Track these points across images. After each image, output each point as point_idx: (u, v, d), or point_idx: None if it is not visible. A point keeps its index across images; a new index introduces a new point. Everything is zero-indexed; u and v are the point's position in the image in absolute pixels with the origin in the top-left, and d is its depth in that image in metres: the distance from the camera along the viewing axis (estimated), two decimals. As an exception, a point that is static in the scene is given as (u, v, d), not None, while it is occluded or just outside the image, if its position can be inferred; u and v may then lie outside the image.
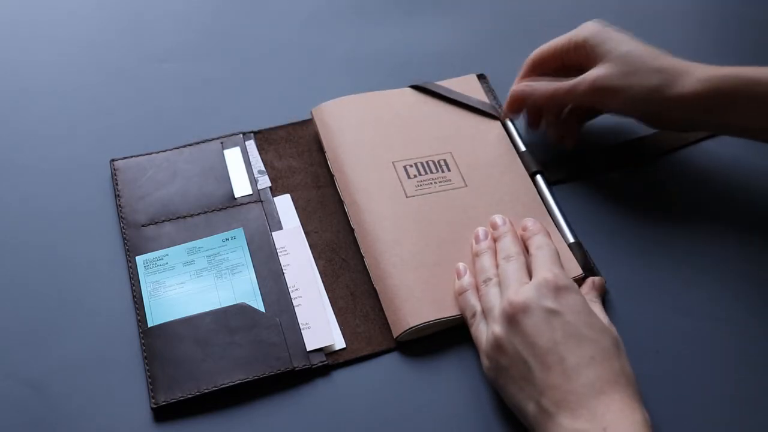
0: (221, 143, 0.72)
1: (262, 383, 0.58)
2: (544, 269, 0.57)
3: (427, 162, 0.70)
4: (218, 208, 0.68)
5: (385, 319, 0.61)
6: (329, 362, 0.59)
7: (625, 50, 0.65)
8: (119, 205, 0.68)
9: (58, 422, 0.56)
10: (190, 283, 0.63)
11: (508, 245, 0.61)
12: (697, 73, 0.64)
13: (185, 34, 0.84)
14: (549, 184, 0.69)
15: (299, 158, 0.72)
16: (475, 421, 0.56)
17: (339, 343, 0.60)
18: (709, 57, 0.73)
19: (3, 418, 0.56)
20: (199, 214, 0.67)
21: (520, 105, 0.71)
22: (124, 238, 0.66)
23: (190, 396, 0.56)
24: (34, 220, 0.68)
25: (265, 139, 0.73)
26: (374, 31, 0.85)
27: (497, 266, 0.60)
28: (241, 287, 0.62)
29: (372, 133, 0.72)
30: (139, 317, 0.61)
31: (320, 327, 0.60)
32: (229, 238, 0.65)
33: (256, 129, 0.74)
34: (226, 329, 0.60)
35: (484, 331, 0.57)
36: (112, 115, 0.76)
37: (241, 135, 0.73)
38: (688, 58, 0.73)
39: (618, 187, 0.71)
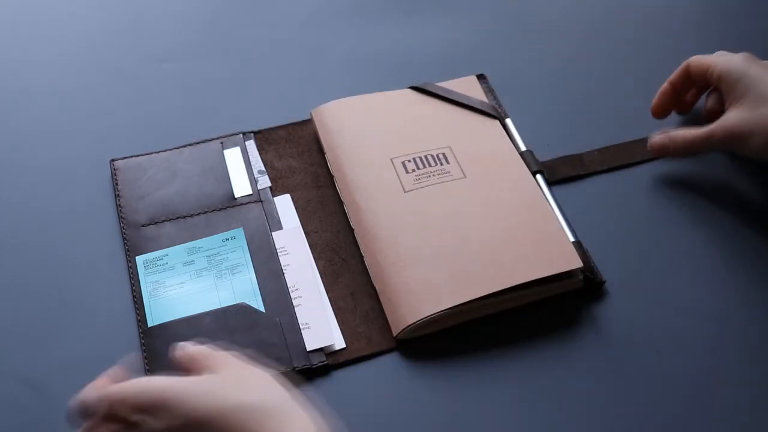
0: (221, 143, 0.72)
1: None
2: None
3: (425, 156, 0.70)
4: (218, 208, 0.68)
5: (385, 319, 0.61)
6: (329, 362, 0.59)
7: (758, 93, 0.64)
8: (119, 205, 0.68)
9: (58, 422, 0.56)
10: (190, 283, 0.63)
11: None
12: None
13: (185, 34, 0.84)
14: (549, 184, 0.69)
15: (299, 158, 0.72)
16: (475, 422, 0.56)
17: (339, 343, 0.60)
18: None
19: (3, 418, 0.56)
20: (199, 214, 0.67)
21: (661, 155, 0.70)
22: (124, 238, 0.66)
23: None
24: (34, 220, 0.68)
25: (265, 139, 0.73)
26: (374, 31, 0.85)
27: None
28: (241, 287, 0.62)
29: (371, 134, 0.72)
30: (139, 317, 0.61)
31: (320, 327, 0.60)
32: (229, 238, 0.65)
33: (256, 129, 0.74)
34: (225, 329, 0.60)
35: None
36: (112, 116, 0.76)
37: (241, 135, 0.73)
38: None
39: (618, 187, 0.71)
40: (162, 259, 0.64)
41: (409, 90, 0.76)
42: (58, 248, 0.66)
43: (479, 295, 0.60)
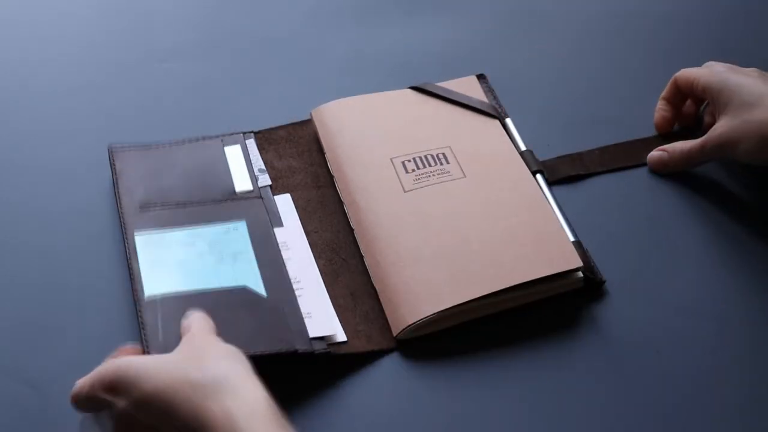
0: (221, 140, 0.72)
1: (263, 362, 0.53)
2: None
3: (425, 156, 0.70)
4: (219, 200, 0.67)
5: (386, 319, 0.61)
6: (332, 351, 0.58)
7: (741, 101, 0.66)
8: (117, 192, 0.67)
9: (58, 422, 0.56)
10: (190, 264, 0.62)
11: None
12: None
13: (185, 34, 0.84)
14: (549, 184, 0.69)
15: (299, 158, 0.72)
16: (476, 422, 0.56)
17: (340, 335, 0.60)
18: (709, 56, 0.73)
19: (3, 418, 0.56)
20: (199, 203, 0.66)
21: (660, 169, 0.71)
22: (122, 221, 0.65)
23: None
24: (34, 220, 0.68)
25: (265, 138, 0.73)
26: (374, 31, 0.85)
27: None
28: (242, 273, 0.62)
29: (371, 134, 0.72)
30: (135, 291, 0.60)
31: (322, 317, 0.60)
32: (231, 229, 0.65)
33: (256, 129, 0.74)
34: (227, 308, 0.59)
35: None
36: (111, 115, 0.76)
37: (241, 134, 0.73)
38: (691, 58, 0.74)
39: (618, 187, 0.71)
40: (162, 238, 0.63)
41: (409, 90, 0.76)
42: (58, 247, 0.66)
43: (479, 295, 0.60)
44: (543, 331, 0.61)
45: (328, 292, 0.63)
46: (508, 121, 0.74)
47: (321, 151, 0.73)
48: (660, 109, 0.74)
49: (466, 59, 0.80)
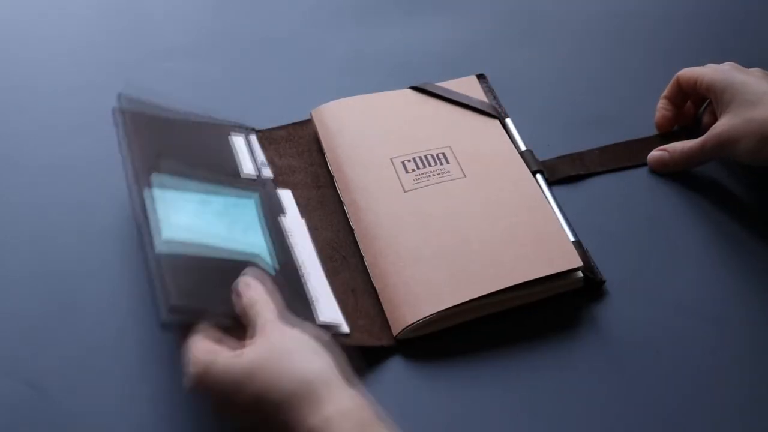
0: (230, 127, 0.71)
1: None
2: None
3: (425, 156, 0.70)
4: (229, 175, 0.66)
5: (386, 318, 0.61)
6: (338, 341, 0.56)
7: (743, 99, 0.66)
8: (128, 149, 0.62)
9: (59, 422, 0.56)
10: (205, 223, 0.59)
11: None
12: None
13: (185, 34, 0.85)
14: (549, 184, 0.69)
15: (299, 158, 0.72)
16: (476, 422, 0.56)
17: (344, 327, 0.60)
18: (709, 56, 0.73)
19: (3, 418, 0.56)
20: (211, 173, 0.64)
21: (660, 169, 0.71)
22: (135, 178, 0.59)
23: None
24: (34, 218, 0.68)
25: (265, 138, 0.73)
26: (374, 31, 0.85)
27: None
28: (253, 246, 0.60)
29: (371, 134, 0.72)
30: (145, 239, 0.56)
31: (328, 304, 0.60)
32: (242, 202, 0.63)
33: (256, 128, 0.74)
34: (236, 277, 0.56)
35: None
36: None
37: (246, 128, 0.72)
38: (691, 58, 0.74)
39: (618, 187, 0.71)
40: (177, 196, 0.60)
41: (409, 90, 0.76)
42: (59, 247, 0.66)
43: (479, 295, 0.60)
44: (543, 331, 0.61)
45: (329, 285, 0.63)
46: (508, 121, 0.74)
47: (321, 151, 0.73)
48: (661, 108, 0.74)
49: (466, 59, 0.81)
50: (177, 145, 0.66)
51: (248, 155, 0.69)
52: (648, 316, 0.62)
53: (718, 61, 0.71)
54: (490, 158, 0.70)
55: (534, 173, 0.69)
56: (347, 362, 0.51)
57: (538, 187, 0.68)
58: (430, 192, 0.67)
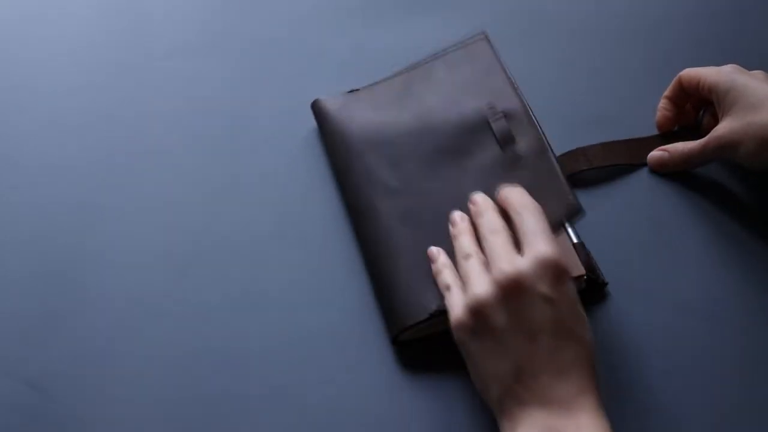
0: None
1: None
2: (541, 240, 0.53)
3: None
4: None
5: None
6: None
7: (746, 102, 0.65)
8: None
9: (59, 422, 0.56)
10: None
11: (491, 220, 0.57)
12: None
13: (185, 33, 0.84)
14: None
15: None
16: (476, 422, 0.56)
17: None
18: (710, 56, 0.73)
19: (3, 418, 0.56)
20: None
21: (660, 169, 0.71)
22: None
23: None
24: (33, 218, 0.68)
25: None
26: (375, 30, 0.84)
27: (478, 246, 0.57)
28: None
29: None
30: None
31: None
32: None
33: (255, 128, 0.74)
34: None
35: (460, 298, 0.54)
36: (110, 114, 0.76)
37: None
38: (691, 58, 0.74)
39: (619, 188, 0.70)
40: None
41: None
42: (59, 246, 0.66)
43: None
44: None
45: None
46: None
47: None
48: (662, 108, 0.74)
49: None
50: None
51: None
52: (649, 317, 0.62)
53: (719, 62, 0.71)
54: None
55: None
56: None
57: None
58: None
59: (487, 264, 0.54)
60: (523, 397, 0.50)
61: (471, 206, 0.60)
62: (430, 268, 0.61)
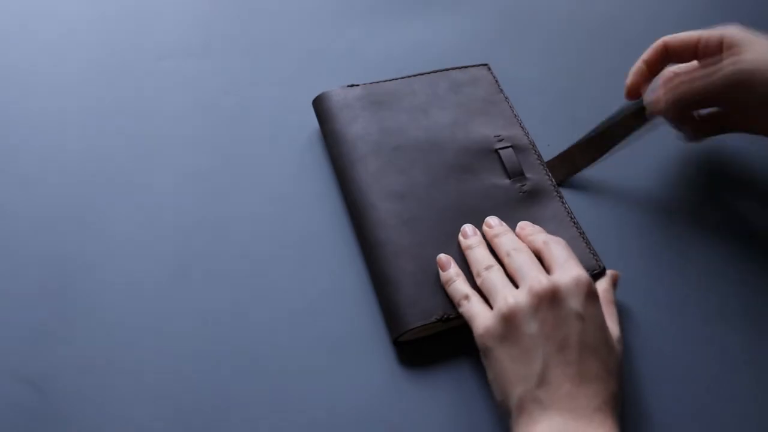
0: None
1: None
2: (574, 265, 0.55)
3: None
4: None
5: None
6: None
7: (763, 47, 0.60)
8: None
9: (58, 422, 0.56)
10: None
11: (512, 239, 0.60)
12: None
13: (184, 33, 0.84)
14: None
15: None
16: (476, 423, 0.56)
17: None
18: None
19: (3, 418, 0.56)
20: None
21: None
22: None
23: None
24: (34, 220, 0.68)
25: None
26: (375, 30, 0.84)
27: (497, 261, 0.59)
28: None
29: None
30: None
31: None
32: None
33: (254, 128, 0.74)
34: None
35: (483, 308, 0.56)
36: (111, 115, 0.76)
37: None
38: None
39: (620, 189, 0.70)
40: None
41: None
42: (59, 246, 0.66)
43: None
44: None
45: None
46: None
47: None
48: (636, 73, 0.68)
49: (467, 59, 0.80)
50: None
51: None
52: (649, 316, 0.62)
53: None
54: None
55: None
56: None
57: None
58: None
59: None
60: (545, 402, 0.50)
61: (486, 228, 0.62)
62: (433, 273, 0.61)
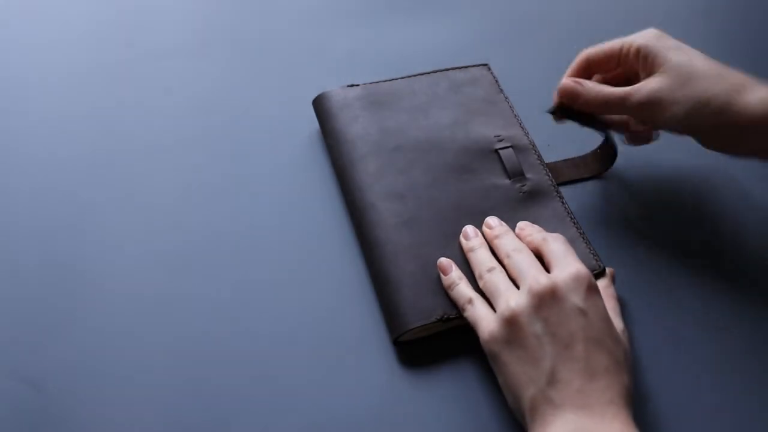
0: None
1: None
2: (572, 261, 0.56)
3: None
4: None
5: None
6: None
7: (681, 60, 0.61)
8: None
9: (58, 422, 0.56)
10: None
11: (512, 240, 0.60)
12: (762, 92, 0.58)
13: (184, 33, 0.84)
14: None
15: None
16: (476, 423, 0.56)
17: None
18: (713, 56, 0.73)
19: (3, 418, 0.56)
20: None
21: (567, 101, 0.66)
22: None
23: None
24: (35, 219, 0.68)
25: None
26: (375, 30, 0.84)
27: (498, 262, 0.60)
28: None
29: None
30: None
31: None
32: None
33: (253, 128, 0.74)
34: None
35: (487, 311, 0.56)
36: (111, 115, 0.76)
37: None
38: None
39: (620, 189, 0.70)
40: None
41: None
42: (58, 245, 0.66)
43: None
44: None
45: None
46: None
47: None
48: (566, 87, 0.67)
49: (467, 59, 0.80)
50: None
51: None
52: (650, 317, 0.62)
53: (726, 61, 0.70)
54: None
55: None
56: None
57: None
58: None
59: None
60: (556, 401, 0.50)
61: (486, 229, 0.62)
62: (434, 272, 0.61)
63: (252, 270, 0.65)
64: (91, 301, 0.63)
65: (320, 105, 0.74)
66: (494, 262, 0.59)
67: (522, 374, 0.52)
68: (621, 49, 0.65)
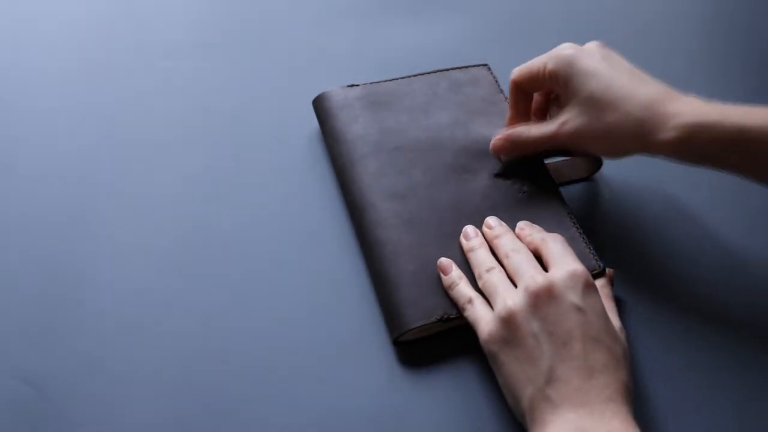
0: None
1: None
2: (570, 260, 0.56)
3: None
4: None
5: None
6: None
7: (592, 89, 0.61)
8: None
9: (58, 422, 0.56)
10: None
11: (512, 240, 0.61)
12: (673, 121, 0.58)
13: (184, 33, 0.84)
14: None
15: None
16: (477, 423, 0.56)
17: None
18: (711, 58, 0.73)
19: (3, 418, 0.56)
20: None
21: (510, 155, 0.67)
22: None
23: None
24: (35, 219, 0.68)
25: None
26: (376, 29, 0.84)
27: (498, 262, 0.60)
28: None
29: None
30: None
31: None
32: None
33: (253, 128, 0.74)
34: None
35: (486, 311, 0.56)
36: (111, 115, 0.76)
37: None
38: (691, 60, 0.73)
39: (620, 189, 0.70)
40: None
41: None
42: (59, 245, 0.66)
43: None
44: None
45: None
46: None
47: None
48: (512, 117, 0.68)
49: (467, 59, 0.80)
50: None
51: None
52: (649, 316, 0.62)
53: (718, 61, 0.70)
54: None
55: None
56: None
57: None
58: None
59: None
60: (555, 400, 0.50)
61: (486, 229, 0.62)
62: (434, 272, 0.61)
63: (252, 269, 0.65)
64: (91, 300, 0.63)
65: (320, 105, 0.74)
66: (494, 262, 0.59)
67: (520, 374, 0.52)
68: (538, 73, 0.65)
